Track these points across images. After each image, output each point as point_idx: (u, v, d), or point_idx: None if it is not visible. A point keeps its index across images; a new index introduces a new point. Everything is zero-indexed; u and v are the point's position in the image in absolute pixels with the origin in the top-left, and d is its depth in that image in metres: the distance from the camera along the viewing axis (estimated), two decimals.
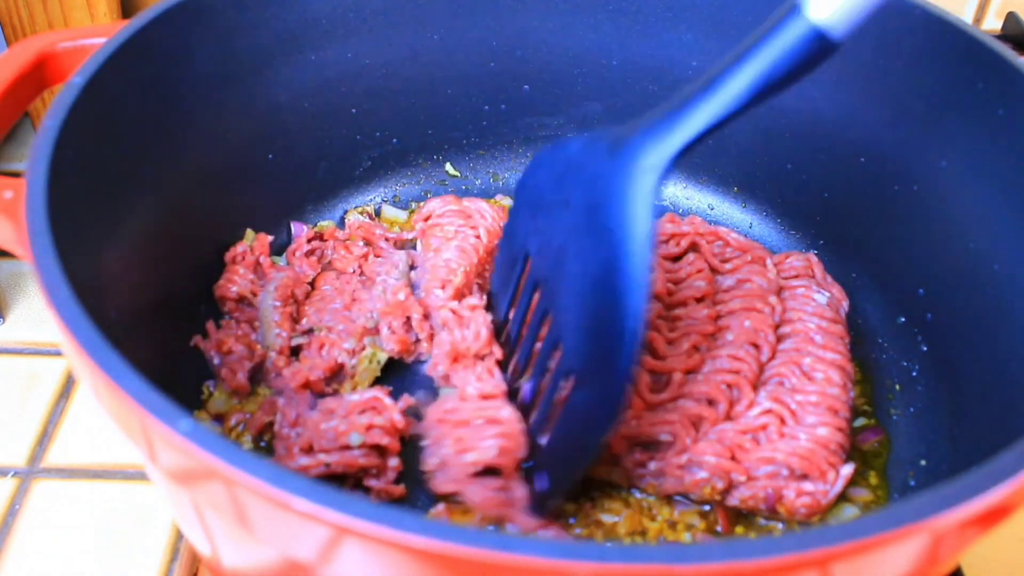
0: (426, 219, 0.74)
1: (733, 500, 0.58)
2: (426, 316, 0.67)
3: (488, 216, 0.73)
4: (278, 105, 0.72)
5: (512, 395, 0.61)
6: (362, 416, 0.59)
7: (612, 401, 0.50)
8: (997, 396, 0.57)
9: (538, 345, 0.59)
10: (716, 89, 0.47)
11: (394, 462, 0.59)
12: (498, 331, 0.65)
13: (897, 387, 0.67)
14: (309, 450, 0.58)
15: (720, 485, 0.58)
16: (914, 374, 0.67)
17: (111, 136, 0.56)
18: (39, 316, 0.81)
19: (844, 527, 0.34)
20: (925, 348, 0.67)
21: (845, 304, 0.68)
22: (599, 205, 0.51)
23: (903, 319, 0.69)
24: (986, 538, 0.39)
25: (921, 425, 0.64)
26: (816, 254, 0.76)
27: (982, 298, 0.61)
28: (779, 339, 0.64)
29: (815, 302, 0.65)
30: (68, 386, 0.76)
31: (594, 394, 0.51)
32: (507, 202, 0.80)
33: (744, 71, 0.46)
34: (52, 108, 0.51)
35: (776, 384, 0.61)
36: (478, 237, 0.71)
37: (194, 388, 0.63)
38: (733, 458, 0.58)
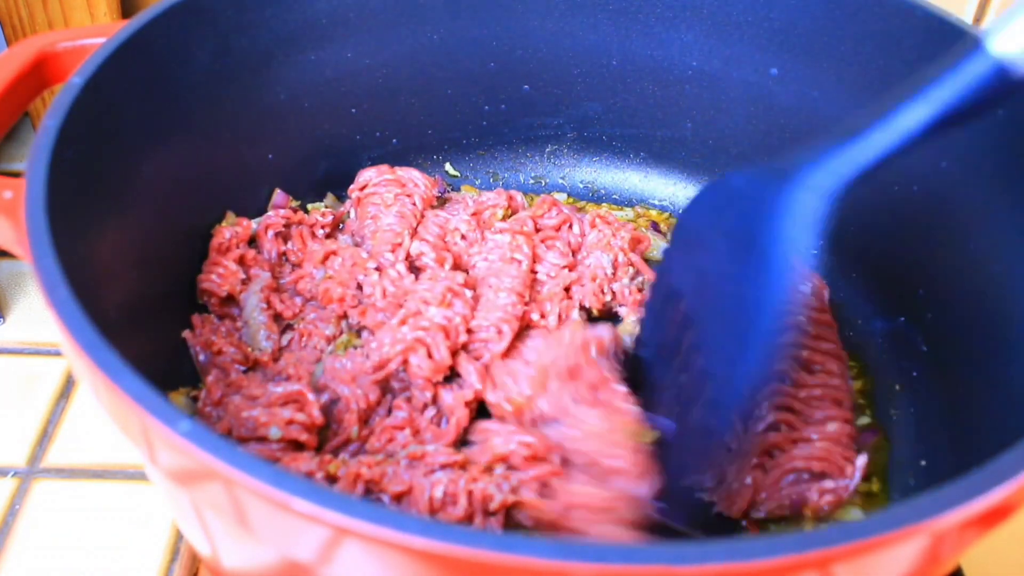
0: (362, 188, 0.74)
1: (759, 513, 0.59)
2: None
3: (421, 184, 0.75)
4: (278, 105, 0.72)
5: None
6: (284, 409, 0.57)
7: (726, 411, 0.50)
8: (997, 396, 0.57)
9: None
10: (892, 120, 0.47)
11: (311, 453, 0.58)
12: (645, 371, 0.63)
13: (897, 387, 0.67)
14: (227, 435, 0.57)
15: (745, 505, 0.58)
16: (914, 374, 0.67)
17: (111, 136, 0.56)
18: (39, 316, 0.81)
19: (844, 527, 0.34)
20: (925, 348, 0.67)
21: (826, 293, 0.68)
22: (757, 227, 0.50)
23: (903, 319, 0.69)
24: (986, 538, 0.39)
25: (921, 425, 0.64)
26: (816, 253, 0.76)
27: (982, 298, 0.61)
28: None
29: (801, 293, 0.65)
30: (68, 386, 0.76)
31: (715, 400, 0.51)
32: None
33: (923, 103, 0.46)
34: (52, 108, 0.51)
35: (777, 382, 0.61)
36: (414, 204, 0.73)
37: (193, 382, 0.63)
38: (756, 485, 0.58)
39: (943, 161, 0.65)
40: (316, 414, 0.58)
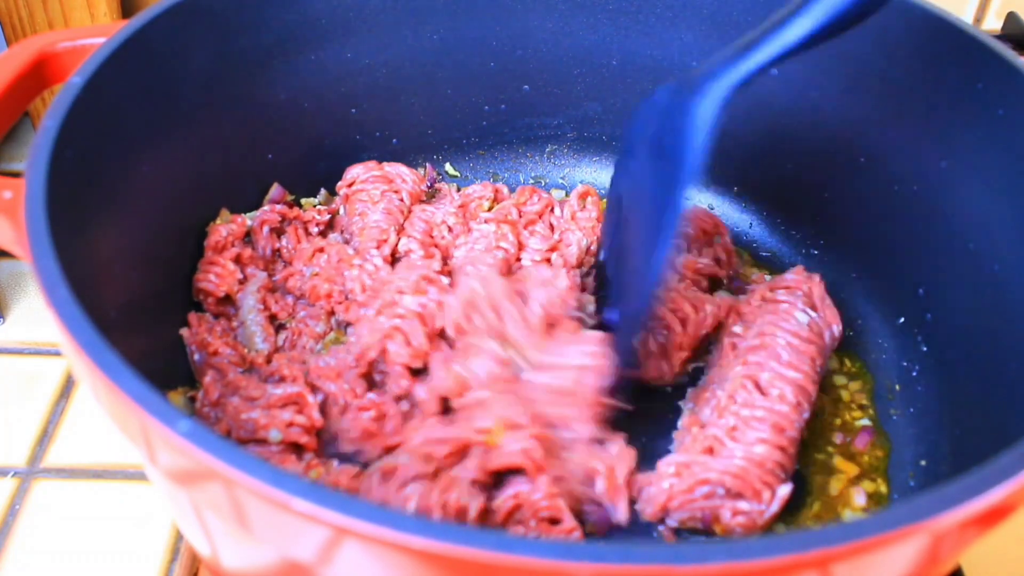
0: (350, 185, 0.75)
1: (672, 522, 0.58)
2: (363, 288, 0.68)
3: (409, 180, 0.75)
4: (278, 105, 0.72)
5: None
6: (283, 411, 0.57)
7: (638, 311, 0.58)
8: (997, 396, 0.57)
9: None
10: (777, 33, 0.52)
11: (308, 456, 0.58)
12: (602, 273, 0.69)
13: (897, 387, 0.67)
14: (225, 436, 0.57)
15: (658, 510, 0.58)
16: (914, 374, 0.67)
17: (111, 136, 0.56)
18: (39, 316, 0.81)
19: (844, 527, 0.34)
20: (925, 348, 0.67)
21: (836, 328, 0.66)
22: (664, 134, 0.57)
23: (903, 319, 0.69)
24: (986, 538, 0.39)
25: (921, 425, 0.64)
26: (816, 254, 0.76)
27: (982, 298, 0.61)
28: (748, 350, 0.63)
29: (795, 320, 0.64)
30: (68, 386, 0.76)
31: (632, 301, 0.59)
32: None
33: (801, 19, 0.51)
34: (52, 108, 0.51)
35: (728, 397, 0.60)
36: (401, 200, 0.74)
37: (190, 381, 0.63)
38: (671, 492, 0.57)
39: (943, 161, 0.65)
40: (316, 416, 0.58)
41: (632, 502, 0.59)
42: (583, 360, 0.60)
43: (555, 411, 0.60)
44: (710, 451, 0.58)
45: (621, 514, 0.57)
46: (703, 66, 0.55)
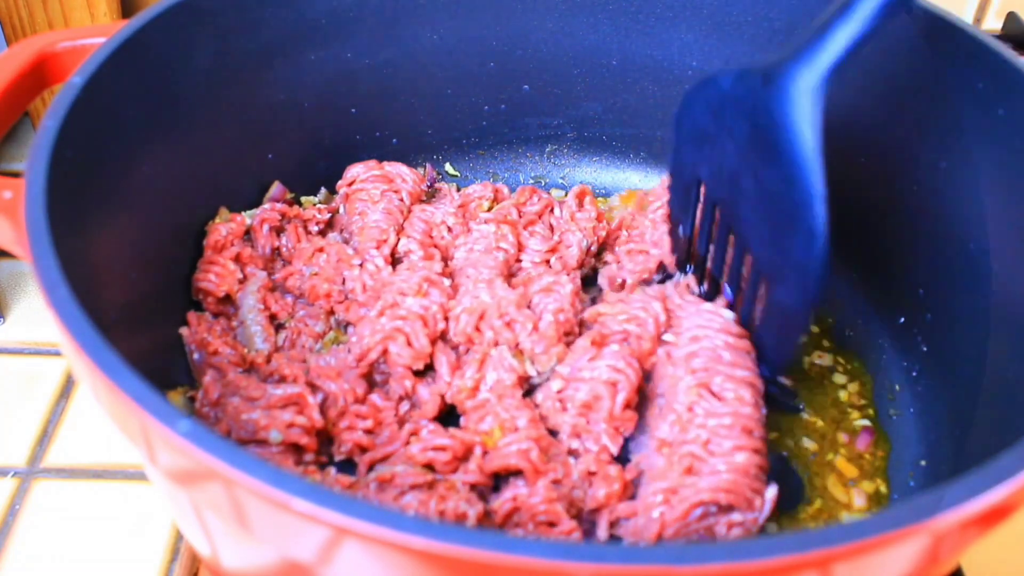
0: (350, 184, 0.74)
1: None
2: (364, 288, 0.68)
3: (409, 180, 0.74)
4: (277, 105, 0.72)
5: (710, 296, 0.67)
6: (284, 412, 0.57)
7: (806, 295, 0.57)
8: (997, 396, 0.57)
9: (730, 253, 0.65)
10: (851, 13, 0.53)
11: (307, 459, 0.58)
12: (683, 248, 0.70)
13: (897, 387, 0.67)
14: (225, 436, 0.56)
15: (653, 540, 0.56)
16: (914, 374, 0.67)
17: (110, 136, 0.56)
18: (39, 316, 0.81)
19: (844, 528, 0.34)
20: (925, 348, 0.67)
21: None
22: (764, 131, 0.56)
23: (903, 319, 0.69)
24: (986, 538, 0.39)
25: (921, 425, 0.64)
26: None
27: (982, 298, 0.61)
28: (688, 357, 0.61)
29: (722, 318, 0.62)
30: (68, 386, 0.76)
31: (789, 291, 0.58)
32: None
33: None
34: (51, 108, 0.51)
35: (687, 410, 0.59)
36: (401, 200, 0.73)
37: (189, 381, 0.63)
38: (663, 521, 0.56)
39: (943, 161, 0.65)
40: (316, 417, 0.58)
41: (611, 524, 0.58)
42: (607, 375, 0.60)
43: (566, 421, 0.60)
44: (690, 471, 0.57)
45: (601, 532, 0.57)
46: (778, 55, 0.54)
